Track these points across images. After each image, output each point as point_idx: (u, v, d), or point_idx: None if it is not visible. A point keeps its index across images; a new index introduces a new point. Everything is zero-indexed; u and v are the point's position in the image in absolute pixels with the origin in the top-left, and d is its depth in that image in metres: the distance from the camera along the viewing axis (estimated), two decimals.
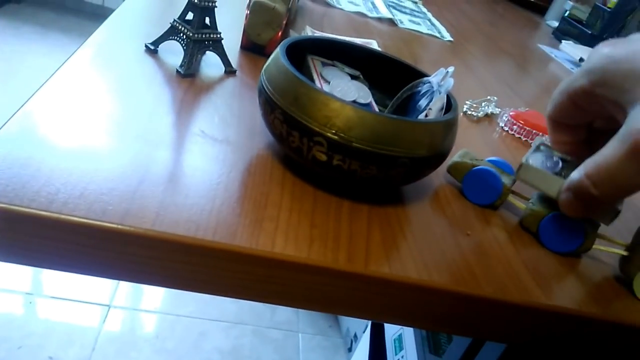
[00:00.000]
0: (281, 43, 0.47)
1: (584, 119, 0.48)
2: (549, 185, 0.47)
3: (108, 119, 0.45)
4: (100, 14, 3.64)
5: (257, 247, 0.37)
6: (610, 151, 0.40)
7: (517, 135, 0.73)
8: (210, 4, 0.55)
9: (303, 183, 0.46)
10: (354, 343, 1.82)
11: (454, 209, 0.51)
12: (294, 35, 0.77)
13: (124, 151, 0.42)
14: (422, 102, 0.49)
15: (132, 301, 1.83)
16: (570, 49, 1.33)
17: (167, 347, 1.73)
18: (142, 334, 1.74)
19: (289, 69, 0.43)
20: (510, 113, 0.75)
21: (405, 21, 1.10)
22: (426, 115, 0.47)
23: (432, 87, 0.49)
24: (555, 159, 0.49)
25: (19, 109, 0.42)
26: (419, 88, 0.51)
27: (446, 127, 0.44)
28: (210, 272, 0.38)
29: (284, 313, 1.98)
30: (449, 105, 0.47)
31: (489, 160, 0.55)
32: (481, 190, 0.52)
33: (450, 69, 0.48)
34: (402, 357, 1.23)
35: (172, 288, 0.38)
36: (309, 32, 0.77)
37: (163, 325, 1.79)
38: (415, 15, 1.18)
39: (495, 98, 0.79)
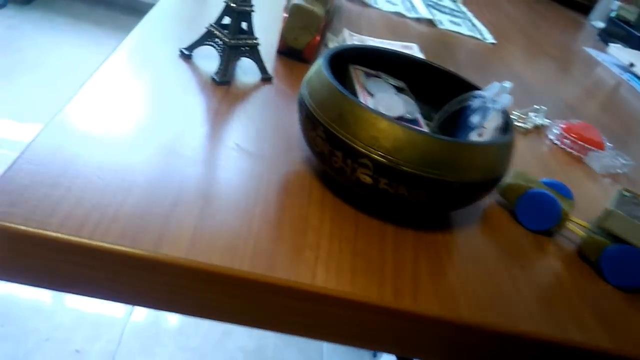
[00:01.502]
0: (323, 54, 0.44)
1: None
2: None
3: (141, 132, 0.43)
4: (132, 7, 3.67)
5: (297, 280, 0.34)
6: None
7: (568, 150, 0.68)
8: (247, 9, 0.53)
9: (344, 204, 0.43)
10: None
11: (506, 235, 0.47)
12: (331, 38, 0.74)
13: (158, 167, 0.40)
14: (474, 119, 0.45)
15: None
16: (619, 53, 1.25)
17: (191, 345, 1.73)
18: (166, 330, 1.74)
19: (332, 83, 0.39)
20: (561, 125, 0.70)
21: (445, 22, 1.06)
22: (480, 134, 0.43)
23: (486, 102, 0.45)
24: None
25: (49, 121, 0.40)
26: (470, 102, 0.48)
27: (503, 149, 0.40)
28: (247, 304, 0.35)
29: None
30: (505, 124, 0.44)
31: (545, 182, 0.51)
32: (537, 215, 0.47)
33: (507, 84, 0.44)
34: None
35: (207, 318, 0.36)
36: (347, 35, 0.74)
37: (187, 323, 1.79)
38: (455, 15, 1.13)
39: (545, 108, 0.74)
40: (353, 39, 0.74)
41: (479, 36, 1.05)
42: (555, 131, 0.70)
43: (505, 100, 0.42)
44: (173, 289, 0.34)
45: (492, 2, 1.52)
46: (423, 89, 0.53)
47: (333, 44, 0.72)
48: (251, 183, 0.42)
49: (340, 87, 0.39)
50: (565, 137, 0.68)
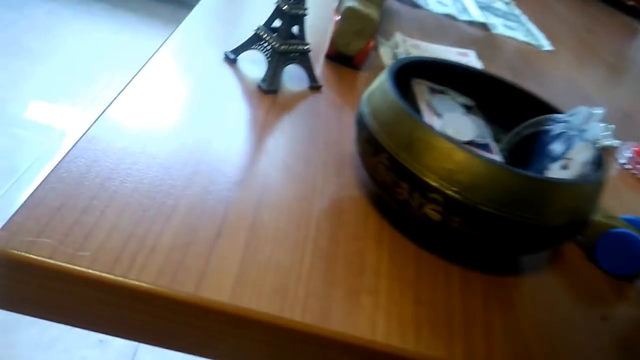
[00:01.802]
0: (388, 68, 0.39)
1: None
2: None
3: (182, 146, 0.39)
4: None
5: (354, 333, 0.30)
6: None
7: (633, 172, 0.61)
8: (301, 12, 0.48)
9: (403, 238, 0.38)
10: None
11: (584, 280, 0.41)
12: (382, 42, 0.69)
13: (200, 189, 0.36)
14: (556, 147, 0.40)
15: None
16: None
17: None
18: None
19: (401, 105, 0.35)
20: (634, 148, 0.63)
21: (499, 26, 0.99)
22: (564, 167, 0.38)
23: (571, 129, 0.40)
24: None
25: (84, 134, 0.37)
26: (550, 127, 0.42)
27: (596, 189, 0.35)
28: (294, 356, 0.31)
29: None
30: (595, 158, 0.38)
31: (626, 219, 0.45)
32: (619, 258, 0.42)
33: (598, 111, 0.38)
34: None
35: None
36: (400, 39, 0.69)
37: None
38: (508, 19, 1.06)
39: (612, 126, 0.67)
40: (406, 43, 0.68)
41: (534, 42, 0.98)
42: (626, 154, 0.63)
43: (597, 130, 0.37)
44: (212, 335, 0.30)
45: (544, 3, 1.44)
46: (491, 106, 0.48)
47: (384, 49, 0.67)
48: (301, 209, 0.37)
49: (410, 111, 0.34)
50: (639, 162, 0.62)
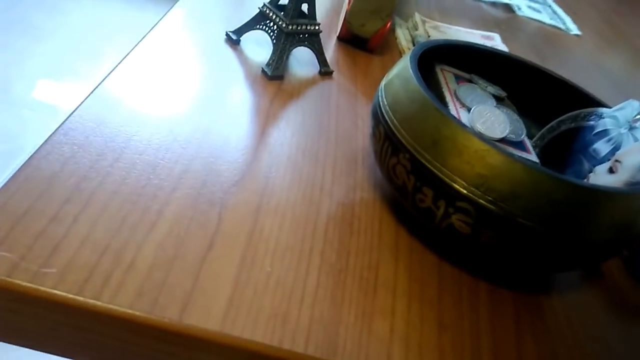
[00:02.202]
0: (410, 53, 0.34)
1: None
2: None
3: (174, 139, 0.34)
4: None
5: None
6: None
7: None
8: None
9: (423, 249, 0.33)
10: None
11: (625, 295, 0.36)
12: (399, 23, 0.63)
13: (191, 192, 0.31)
14: (601, 147, 0.35)
15: None
16: None
17: None
18: None
19: (427, 97, 0.30)
20: None
21: (524, 7, 0.92)
22: (611, 170, 0.33)
23: (619, 126, 0.34)
24: None
25: (60, 125, 0.32)
26: (592, 122, 0.37)
27: None
28: None
29: None
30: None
31: None
32: None
33: None
34: None
35: None
36: (419, 20, 0.63)
37: None
38: (533, 0, 0.99)
39: None
40: (426, 25, 0.62)
41: (561, 26, 0.91)
42: None
43: None
44: None
45: None
46: (523, 96, 0.42)
47: (402, 30, 0.61)
48: (306, 215, 0.33)
49: (437, 103, 0.29)
50: None
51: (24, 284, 0.23)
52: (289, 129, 0.40)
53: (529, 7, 0.95)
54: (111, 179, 0.30)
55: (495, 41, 0.66)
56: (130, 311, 0.24)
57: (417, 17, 0.64)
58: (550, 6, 1.01)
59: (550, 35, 0.86)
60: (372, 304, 0.29)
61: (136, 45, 0.42)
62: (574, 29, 0.93)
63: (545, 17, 0.92)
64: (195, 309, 0.25)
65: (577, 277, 0.37)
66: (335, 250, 0.31)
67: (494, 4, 0.89)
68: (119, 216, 0.28)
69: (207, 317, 0.25)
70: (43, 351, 0.26)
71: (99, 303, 0.24)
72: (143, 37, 0.44)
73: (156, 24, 0.46)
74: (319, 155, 0.38)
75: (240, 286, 0.27)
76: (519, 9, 0.91)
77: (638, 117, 0.33)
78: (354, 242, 0.32)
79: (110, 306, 0.24)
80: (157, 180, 0.31)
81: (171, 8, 0.50)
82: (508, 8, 0.90)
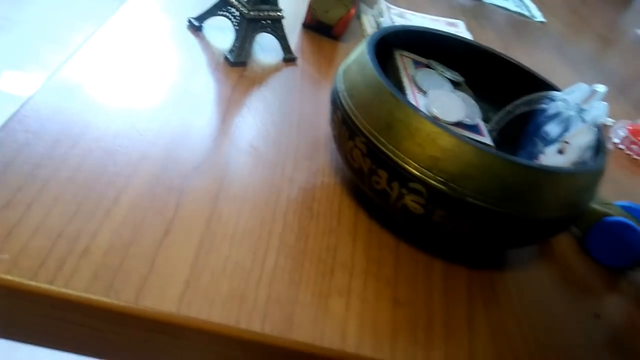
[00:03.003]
0: (368, 39, 0.35)
1: None
2: None
3: (133, 125, 0.34)
4: None
5: (321, 344, 0.26)
6: None
7: (634, 157, 0.58)
8: None
9: (381, 230, 0.34)
10: None
11: (575, 272, 0.38)
12: (365, 11, 0.63)
13: (149, 179, 0.31)
14: (552, 129, 0.36)
15: None
16: None
17: None
18: None
19: (382, 82, 0.30)
20: (628, 127, 0.60)
21: None
22: (560, 151, 0.34)
23: (569, 109, 0.36)
24: None
25: (17, 110, 0.32)
26: (544, 105, 0.38)
27: (596, 178, 0.31)
28: None
29: None
30: (595, 141, 0.34)
31: (622, 206, 0.41)
32: (613, 248, 0.39)
33: (600, 89, 0.34)
34: None
35: None
36: (384, 7, 0.64)
37: None
38: None
39: (606, 104, 0.63)
40: (391, 11, 0.63)
41: (527, 13, 0.93)
42: (620, 133, 0.60)
43: (598, 110, 0.33)
44: (158, 348, 0.26)
45: None
46: (481, 81, 0.44)
47: (367, 17, 0.62)
48: (267, 199, 0.33)
49: (391, 87, 0.30)
50: (633, 142, 0.58)
51: None
52: (251, 116, 0.40)
53: None
54: (66, 166, 0.30)
55: (459, 28, 0.67)
56: (85, 295, 0.24)
57: (383, 4, 0.64)
58: None
59: (515, 22, 0.88)
60: (329, 283, 0.29)
61: (95, 32, 0.42)
62: (539, 16, 0.95)
63: (510, 5, 0.94)
64: (151, 292, 0.25)
65: (530, 254, 0.38)
66: (294, 233, 0.32)
67: None
68: (74, 202, 0.28)
69: (163, 299, 0.25)
70: (2, 338, 0.26)
71: (53, 287, 0.24)
72: (103, 24, 0.43)
73: (117, 10, 0.46)
74: (281, 141, 0.39)
75: (197, 270, 0.27)
76: None
77: (586, 100, 0.35)
78: (314, 225, 0.33)
79: (65, 290, 0.24)
80: (114, 167, 0.31)
81: None
82: None
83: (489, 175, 0.28)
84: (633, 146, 0.58)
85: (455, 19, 0.72)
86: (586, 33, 1.02)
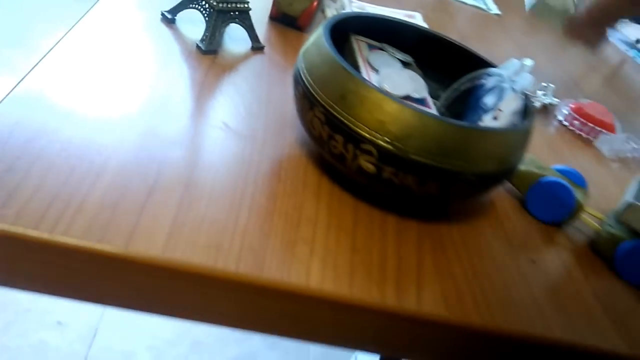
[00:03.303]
0: (324, 23, 0.39)
1: None
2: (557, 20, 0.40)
3: (115, 106, 0.38)
4: None
5: (289, 281, 0.30)
6: None
7: (577, 132, 0.64)
8: None
9: (342, 192, 0.39)
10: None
11: (515, 226, 0.43)
12: (328, 4, 0.68)
13: (132, 148, 0.35)
14: (489, 100, 0.41)
15: None
16: (627, 29, 1.21)
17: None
18: None
19: (335, 58, 0.35)
20: (571, 105, 0.66)
21: None
22: (495, 117, 0.39)
23: (502, 81, 0.41)
24: None
25: (8, 93, 0.35)
26: (483, 81, 0.43)
27: (523, 137, 0.36)
28: (232, 306, 0.31)
29: None
30: (524, 107, 0.39)
31: (557, 169, 0.47)
32: (549, 205, 0.44)
33: (527, 62, 0.40)
34: None
35: (185, 320, 0.32)
36: (346, 1, 0.68)
37: None
38: None
39: (552, 86, 0.70)
40: (352, 5, 0.68)
41: (482, 6, 0.99)
42: (564, 111, 0.66)
43: (526, 80, 0.38)
44: (147, 289, 0.30)
45: None
46: (431, 63, 0.49)
47: (330, 11, 0.67)
48: (239, 168, 0.37)
49: (343, 63, 0.34)
50: (575, 119, 0.64)
51: None
52: (223, 98, 0.44)
53: None
54: (58, 139, 0.33)
55: (416, 19, 0.72)
56: (80, 242, 0.28)
57: None
58: None
59: (472, 15, 0.94)
60: (295, 234, 0.34)
61: (76, 24, 0.45)
62: (494, 9, 1.01)
63: None
64: (139, 241, 0.29)
65: (476, 212, 0.43)
66: (264, 195, 0.36)
67: None
68: (67, 168, 0.31)
69: (150, 246, 0.29)
70: (5, 286, 0.29)
71: (52, 236, 0.27)
72: (82, 16, 0.47)
73: (91, 7, 0.49)
74: (251, 120, 0.43)
75: (178, 223, 0.31)
76: None
77: (517, 73, 0.40)
78: (282, 188, 0.37)
79: (63, 238, 0.28)
80: (101, 141, 0.35)
81: None
82: None
83: (427, 135, 0.33)
84: (575, 122, 0.64)
85: (414, 11, 0.77)
86: (542, 26, 1.09)
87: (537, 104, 0.66)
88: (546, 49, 0.94)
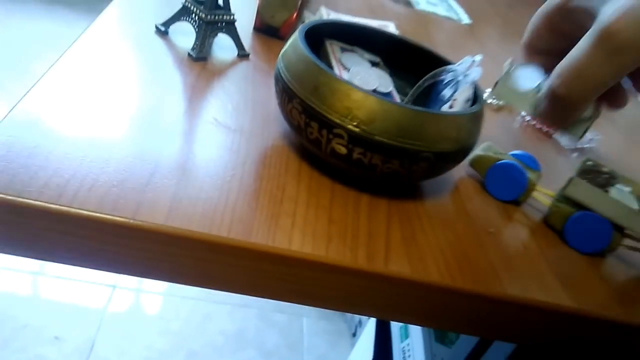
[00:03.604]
0: (299, 27, 0.45)
1: (557, 44, 0.48)
2: (524, 103, 0.45)
3: (118, 106, 0.43)
4: None
5: (273, 245, 0.36)
6: (577, 47, 0.41)
7: (538, 126, 0.70)
8: None
9: (320, 176, 0.44)
10: (358, 328, 1.82)
11: (475, 204, 0.49)
12: (308, 16, 0.74)
13: (135, 140, 0.40)
14: (446, 92, 0.47)
15: (137, 282, 1.83)
16: None
17: (171, 329, 1.74)
18: (147, 314, 1.75)
19: (308, 56, 0.40)
20: None
21: (422, 2, 1.07)
22: (451, 106, 0.45)
23: (457, 76, 0.47)
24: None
25: (24, 95, 0.40)
26: (443, 77, 0.49)
27: (473, 120, 0.42)
28: (224, 269, 0.36)
29: None
30: (475, 96, 0.45)
31: (513, 155, 0.53)
32: (505, 185, 0.49)
33: (477, 58, 0.46)
34: (408, 344, 1.23)
35: (184, 284, 0.37)
36: (324, 13, 0.75)
37: (168, 307, 1.80)
38: None
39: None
40: (330, 16, 0.74)
41: (454, 17, 1.06)
42: None
43: (475, 73, 0.44)
44: (151, 256, 0.35)
45: None
46: (399, 65, 0.54)
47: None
48: (229, 156, 0.43)
49: (316, 60, 0.40)
50: None
51: (14, 198, 0.32)
52: (213, 98, 0.50)
53: (427, 2, 1.09)
54: (71, 133, 0.38)
55: (389, 28, 0.78)
56: (95, 214, 0.33)
57: (323, 10, 0.75)
58: (446, 1, 1.16)
59: (443, 25, 1.01)
60: (279, 209, 0.39)
61: (80, 36, 0.51)
62: (466, 19, 1.08)
63: (441, 10, 1.07)
64: (145, 212, 0.34)
65: (440, 192, 0.48)
66: (251, 177, 0.41)
67: (395, 0, 1.03)
68: (79, 156, 0.36)
69: (154, 216, 0.34)
70: (27, 257, 0.34)
71: (72, 209, 0.32)
72: (85, 30, 0.52)
73: (96, 19, 0.55)
74: (239, 115, 0.48)
75: (177, 199, 0.36)
76: (418, 3, 1.05)
77: (469, 67, 0.46)
78: (266, 172, 0.42)
79: (80, 210, 0.32)
80: (109, 128, 0.40)
81: (105, 8, 0.58)
82: (408, 3, 1.04)
83: (389, 119, 0.38)
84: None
85: (387, 21, 0.83)
86: (512, 35, 1.16)
87: (502, 102, 0.72)
88: (514, 53, 1.01)
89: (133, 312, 1.74)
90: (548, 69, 0.45)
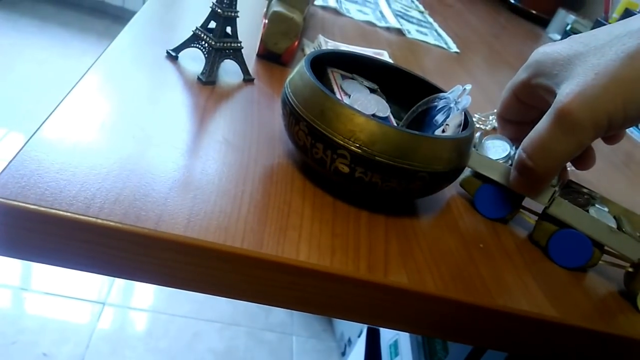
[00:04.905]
0: (305, 57, 0.49)
1: (527, 115, 0.53)
2: (495, 172, 0.51)
3: (135, 126, 0.47)
4: (99, 9, 3.63)
5: (282, 255, 0.38)
6: (540, 124, 0.45)
7: None
8: (232, 14, 0.57)
9: (323, 193, 0.47)
10: (347, 347, 1.83)
11: (466, 221, 0.52)
12: (307, 44, 0.79)
13: (153, 158, 0.43)
14: (439, 118, 0.51)
15: (126, 299, 1.83)
16: None
17: (160, 347, 1.73)
18: (135, 332, 1.74)
19: (315, 83, 0.44)
20: None
21: (413, 31, 1.12)
22: (443, 131, 0.49)
23: (449, 103, 0.51)
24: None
25: (49, 115, 0.43)
26: (435, 103, 0.53)
27: (464, 143, 0.46)
28: (237, 278, 0.39)
29: (278, 315, 1.98)
30: (466, 122, 0.49)
31: None
32: (492, 204, 0.53)
33: (467, 87, 0.50)
34: None
35: (202, 292, 0.39)
36: (322, 41, 0.79)
37: (157, 325, 1.79)
38: (422, 25, 1.20)
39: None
40: (328, 44, 0.78)
41: (444, 45, 1.12)
42: None
43: (466, 101, 0.48)
44: (171, 264, 0.38)
45: (456, 13, 1.61)
46: (394, 91, 0.59)
47: (309, 49, 0.77)
48: (239, 173, 0.46)
49: (322, 87, 0.44)
50: None
51: (46, 209, 0.34)
52: (221, 119, 0.53)
53: (418, 31, 1.15)
54: (93, 150, 0.41)
55: (384, 56, 0.83)
56: (120, 224, 0.35)
57: (321, 38, 0.80)
58: (436, 30, 1.22)
59: (433, 52, 1.06)
60: (286, 222, 0.42)
61: (95, 62, 0.54)
62: (454, 47, 1.14)
63: (430, 39, 1.13)
64: (165, 223, 0.37)
65: (434, 211, 0.52)
66: (260, 193, 0.44)
67: (388, 29, 1.08)
68: (104, 172, 0.39)
69: (174, 227, 0.37)
70: (56, 265, 0.37)
71: (99, 220, 0.35)
72: (99, 56, 0.55)
73: (109, 45, 0.58)
74: (246, 135, 0.52)
75: (194, 212, 0.39)
76: (409, 32, 1.11)
77: (460, 95, 0.50)
78: (273, 188, 0.46)
79: (106, 222, 0.35)
80: (128, 147, 0.43)
81: (119, 34, 0.62)
82: (400, 32, 1.09)
83: (388, 141, 0.42)
84: None
85: (381, 49, 0.88)
86: (497, 62, 1.22)
87: (489, 127, 0.77)
88: (498, 82, 1.06)
89: (122, 330, 1.73)
90: (520, 138, 0.50)
